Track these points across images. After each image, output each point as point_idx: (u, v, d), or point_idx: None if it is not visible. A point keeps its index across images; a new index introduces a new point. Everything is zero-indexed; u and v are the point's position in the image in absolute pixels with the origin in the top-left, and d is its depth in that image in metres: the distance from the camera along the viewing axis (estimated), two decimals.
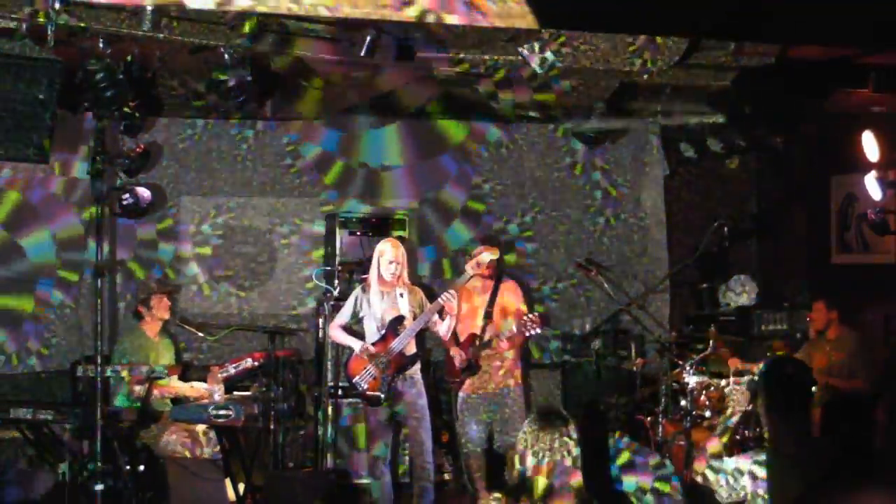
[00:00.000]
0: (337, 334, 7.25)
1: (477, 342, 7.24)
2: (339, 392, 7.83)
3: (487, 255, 7.20)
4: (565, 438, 3.97)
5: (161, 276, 8.53)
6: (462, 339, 7.29)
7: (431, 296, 7.32)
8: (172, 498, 6.87)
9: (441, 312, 7.09)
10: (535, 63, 6.42)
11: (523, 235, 9.41)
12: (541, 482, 3.95)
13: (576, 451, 3.97)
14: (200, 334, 7.87)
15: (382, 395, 6.98)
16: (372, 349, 7.02)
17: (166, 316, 7.49)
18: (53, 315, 8.37)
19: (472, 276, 7.15)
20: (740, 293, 9.21)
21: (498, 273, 7.41)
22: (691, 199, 9.86)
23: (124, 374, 6.86)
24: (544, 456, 3.95)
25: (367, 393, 7.02)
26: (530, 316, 7.15)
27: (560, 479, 3.94)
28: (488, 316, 7.29)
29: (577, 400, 8.79)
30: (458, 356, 7.25)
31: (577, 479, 3.96)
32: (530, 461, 3.97)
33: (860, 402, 6.75)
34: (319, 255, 8.85)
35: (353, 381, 7.07)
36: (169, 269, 8.69)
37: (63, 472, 6.69)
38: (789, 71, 7.10)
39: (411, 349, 7.10)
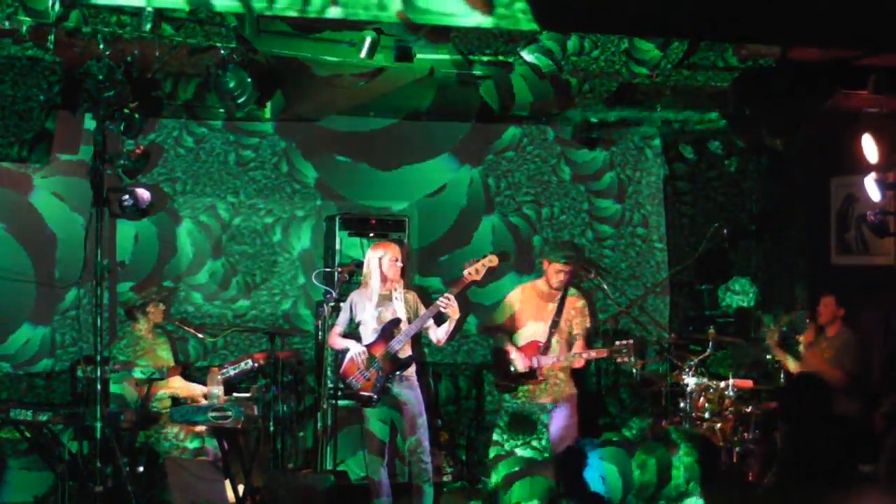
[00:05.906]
0: (335, 341, 7.24)
1: (541, 351, 7.22)
2: (338, 393, 7.83)
3: (561, 264, 7.16)
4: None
5: (158, 278, 8.53)
6: (522, 343, 7.27)
7: (424, 298, 7.32)
8: (172, 498, 6.88)
9: (436, 317, 7.07)
10: (534, 64, 6.42)
11: (521, 236, 9.40)
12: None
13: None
14: (200, 335, 7.87)
15: (375, 396, 6.98)
16: (367, 351, 7.02)
17: (160, 320, 7.49)
18: (53, 316, 8.36)
19: (470, 281, 7.09)
20: (740, 294, 9.20)
21: (566, 283, 7.34)
22: (691, 200, 9.85)
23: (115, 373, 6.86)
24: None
25: (360, 393, 7.01)
26: (626, 343, 7.13)
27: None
28: (555, 326, 7.26)
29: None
30: (519, 361, 7.21)
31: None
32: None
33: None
34: (319, 256, 8.85)
35: (347, 380, 7.08)
36: (167, 270, 8.68)
37: (62, 472, 6.69)
38: (789, 72, 7.10)
39: (406, 352, 7.09)
